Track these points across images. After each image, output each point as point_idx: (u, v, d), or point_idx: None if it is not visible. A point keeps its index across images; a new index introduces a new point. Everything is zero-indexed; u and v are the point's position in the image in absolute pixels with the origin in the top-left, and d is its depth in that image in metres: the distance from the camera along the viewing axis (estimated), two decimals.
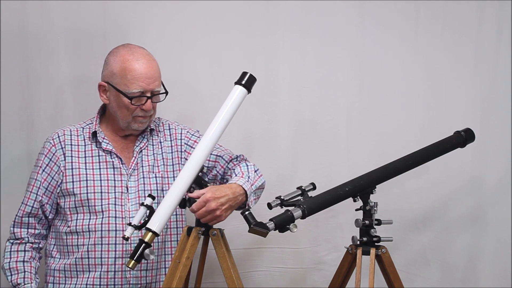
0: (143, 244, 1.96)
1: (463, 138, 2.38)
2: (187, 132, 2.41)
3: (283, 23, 2.78)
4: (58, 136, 2.32)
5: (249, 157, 2.75)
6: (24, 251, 2.28)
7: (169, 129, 2.42)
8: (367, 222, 2.20)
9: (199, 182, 2.06)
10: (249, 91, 2.14)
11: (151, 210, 2.02)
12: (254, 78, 2.15)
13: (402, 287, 2.25)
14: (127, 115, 2.27)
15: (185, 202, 2.06)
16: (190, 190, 2.07)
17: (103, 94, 2.31)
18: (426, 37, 2.82)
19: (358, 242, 2.21)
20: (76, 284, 2.24)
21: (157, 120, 2.44)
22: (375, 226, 2.22)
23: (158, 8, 2.71)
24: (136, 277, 2.25)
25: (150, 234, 1.96)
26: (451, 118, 2.78)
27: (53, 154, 2.30)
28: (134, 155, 2.32)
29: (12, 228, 2.30)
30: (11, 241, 2.30)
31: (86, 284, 2.23)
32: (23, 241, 2.29)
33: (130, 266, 1.95)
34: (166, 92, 2.31)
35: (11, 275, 2.25)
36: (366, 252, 2.19)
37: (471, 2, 2.82)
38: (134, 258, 1.95)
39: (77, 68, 2.65)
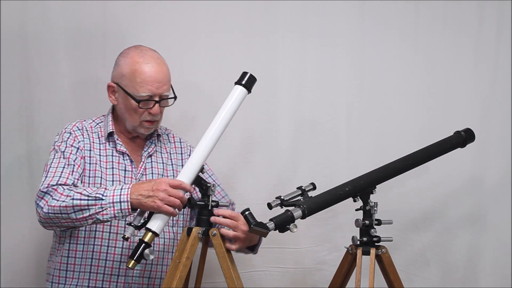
0: (143, 244, 1.95)
1: (463, 138, 2.37)
2: None
3: (283, 23, 2.78)
4: (79, 129, 2.27)
5: (249, 157, 2.76)
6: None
7: (180, 142, 2.43)
8: (367, 222, 2.20)
9: (199, 182, 2.06)
10: (249, 91, 2.14)
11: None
12: (254, 78, 2.14)
13: (402, 287, 2.24)
14: (135, 118, 2.24)
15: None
16: None
17: (112, 95, 2.27)
18: (426, 37, 2.82)
19: (358, 242, 2.20)
20: (77, 285, 2.19)
21: (167, 130, 2.44)
22: (375, 226, 2.21)
23: (158, 8, 2.71)
24: (138, 284, 2.23)
25: (150, 234, 1.96)
26: (451, 118, 2.78)
27: (78, 140, 2.24)
28: (143, 159, 2.30)
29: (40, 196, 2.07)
30: (57, 187, 2.07)
31: (88, 286, 2.19)
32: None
33: (130, 266, 1.95)
34: (175, 97, 2.28)
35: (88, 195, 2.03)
36: (366, 252, 2.18)
37: (471, 2, 2.82)
38: (134, 258, 1.94)
39: (77, 68, 2.65)
